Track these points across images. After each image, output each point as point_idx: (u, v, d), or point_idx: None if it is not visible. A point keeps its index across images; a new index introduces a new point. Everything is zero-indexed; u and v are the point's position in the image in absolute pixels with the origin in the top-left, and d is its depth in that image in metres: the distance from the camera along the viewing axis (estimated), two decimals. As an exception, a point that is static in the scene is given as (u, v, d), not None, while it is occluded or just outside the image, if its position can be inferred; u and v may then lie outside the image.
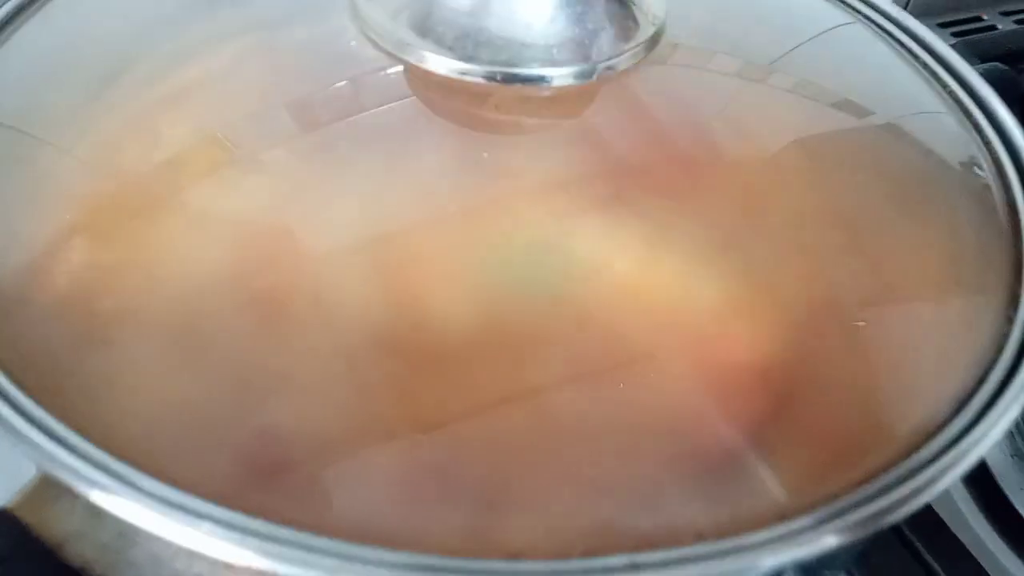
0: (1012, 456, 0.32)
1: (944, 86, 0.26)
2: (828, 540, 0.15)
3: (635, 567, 0.14)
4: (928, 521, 0.30)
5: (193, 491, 0.15)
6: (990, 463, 0.31)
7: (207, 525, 0.15)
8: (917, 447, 0.17)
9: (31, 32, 0.23)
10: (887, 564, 0.30)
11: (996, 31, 0.54)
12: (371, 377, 0.18)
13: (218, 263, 0.19)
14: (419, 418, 0.17)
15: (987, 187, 0.23)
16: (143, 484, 0.15)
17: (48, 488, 0.17)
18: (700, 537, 0.15)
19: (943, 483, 0.16)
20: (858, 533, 0.15)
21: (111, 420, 0.16)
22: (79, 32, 0.24)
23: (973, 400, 0.18)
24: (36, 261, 0.19)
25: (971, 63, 0.47)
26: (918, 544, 0.30)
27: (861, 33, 0.27)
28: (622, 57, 0.21)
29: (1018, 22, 0.55)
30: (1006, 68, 0.47)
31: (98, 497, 0.15)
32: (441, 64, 0.20)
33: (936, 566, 0.29)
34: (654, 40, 0.22)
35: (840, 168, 0.23)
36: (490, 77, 0.20)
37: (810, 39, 0.26)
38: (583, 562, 0.14)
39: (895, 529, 0.30)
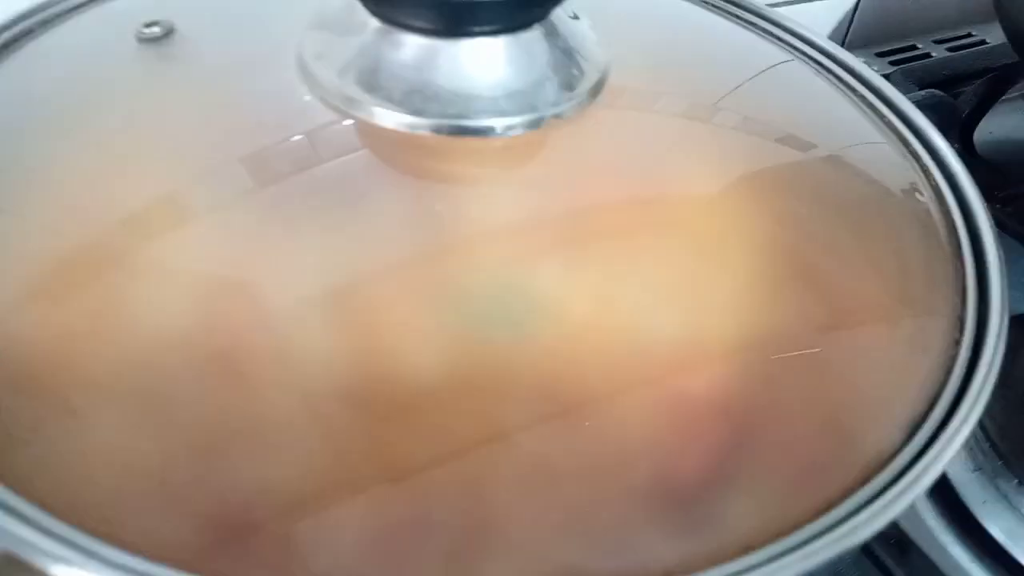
0: (974, 471, 0.32)
1: (881, 117, 0.27)
2: (795, 567, 0.15)
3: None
4: (897, 538, 0.31)
5: (161, 559, 0.15)
6: (953, 479, 0.32)
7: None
8: (877, 470, 0.18)
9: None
10: (858, 583, 0.30)
11: (931, 59, 0.56)
12: (336, 430, 0.18)
13: (175, 322, 0.19)
14: (386, 468, 0.17)
15: (928, 212, 0.24)
16: (107, 555, 0.15)
17: (8, 567, 0.17)
18: (668, 575, 0.15)
19: (902, 503, 0.17)
20: (825, 557, 0.15)
21: (71, 491, 0.16)
22: (26, 92, 0.24)
23: (927, 420, 0.18)
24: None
25: (909, 90, 0.49)
26: (887, 561, 0.31)
27: (800, 70, 0.28)
28: (568, 105, 0.21)
29: (950, 49, 0.58)
30: (943, 95, 0.49)
31: (62, 571, 0.15)
32: (390, 119, 0.21)
33: (905, 581, 0.30)
34: (598, 86, 0.22)
35: (787, 200, 0.23)
36: (438, 130, 0.20)
37: (751, 78, 0.27)
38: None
39: (865, 547, 0.31)
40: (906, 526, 0.31)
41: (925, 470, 0.17)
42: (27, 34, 0.25)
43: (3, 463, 0.16)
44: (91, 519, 0.16)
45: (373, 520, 0.17)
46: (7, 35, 0.25)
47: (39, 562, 0.15)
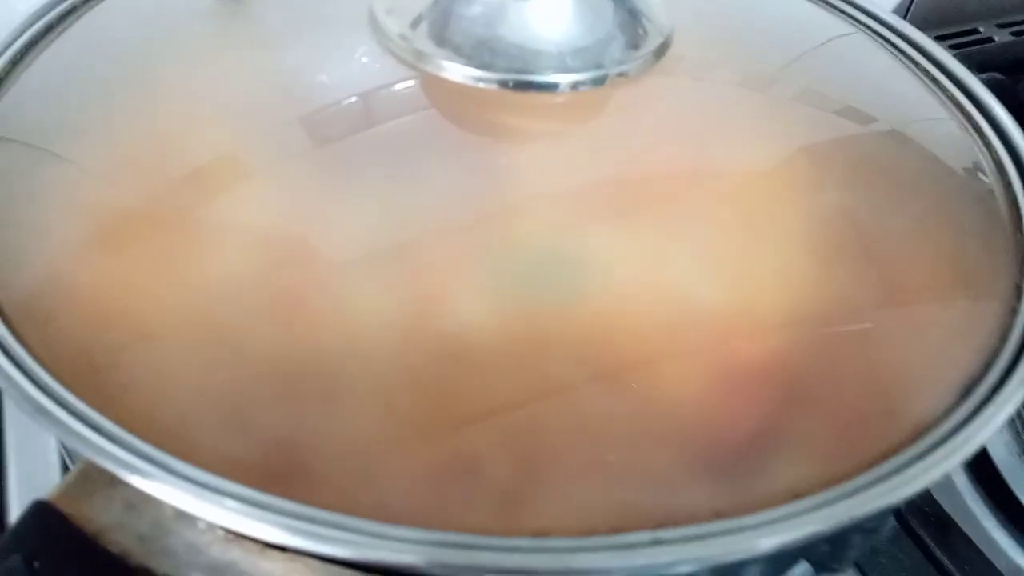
0: (1020, 455, 0.32)
1: (945, 92, 0.26)
2: (838, 516, 0.15)
3: (658, 542, 0.14)
4: (938, 519, 0.31)
5: (228, 477, 0.16)
6: (997, 461, 0.32)
7: (238, 504, 0.15)
8: (924, 433, 0.18)
9: (50, 51, 0.24)
10: (897, 560, 0.30)
11: (993, 43, 0.55)
12: (396, 375, 0.18)
13: (244, 269, 0.20)
14: (446, 413, 0.18)
15: (990, 188, 0.24)
16: (181, 469, 0.16)
17: (87, 481, 0.17)
18: (718, 515, 0.15)
19: (947, 465, 0.17)
20: (867, 510, 0.16)
21: (149, 413, 0.17)
22: (96, 49, 0.25)
23: (979, 388, 0.18)
24: (68, 268, 0.20)
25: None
26: (928, 541, 0.30)
27: (863, 43, 0.28)
28: (632, 64, 0.22)
29: (1015, 34, 0.56)
30: (1004, 78, 0.48)
31: (138, 482, 0.16)
32: (458, 72, 0.21)
33: (946, 562, 0.30)
34: (662, 49, 0.23)
35: (845, 174, 0.23)
36: (504, 84, 0.21)
37: (813, 49, 0.27)
38: (608, 539, 0.15)
39: (905, 526, 0.31)
40: (947, 507, 0.31)
41: (974, 434, 0.17)
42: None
43: (87, 386, 0.17)
44: (165, 437, 0.16)
45: (431, 458, 0.17)
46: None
47: (119, 472, 0.16)
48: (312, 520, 0.15)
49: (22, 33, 0.24)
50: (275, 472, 0.17)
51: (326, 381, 0.18)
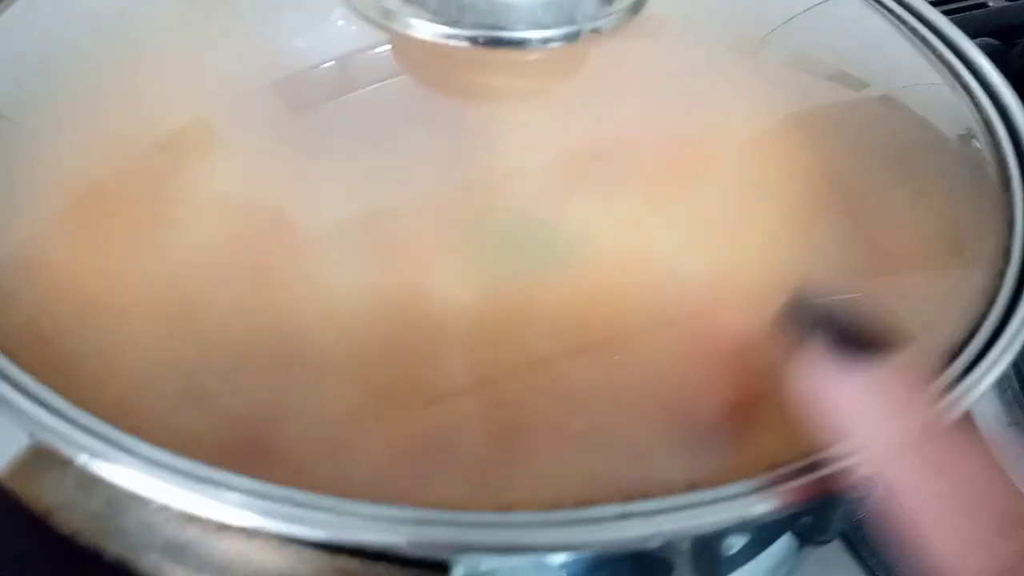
0: (1009, 426, 0.32)
1: (938, 55, 0.26)
2: (818, 486, 0.15)
3: (625, 516, 0.14)
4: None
5: (184, 453, 0.15)
6: (987, 433, 0.31)
7: (198, 485, 0.15)
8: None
9: (14, 18, 0.23)
10: (882, 532, 0.30)
11: (987, 8, 0.54)
12: (364, 345, 0.18)
13: (209, 238, 0.19)
14: (414, 385, 0.17)
15: (980, 151, 0.23)
16: (134, 447, 0.15)
17: (37, 458, 0.17)
18: (692, 486, 0.15)
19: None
20: (849, 480, 0.15)
21: (101, 388, 0.16)
22: (63, 17, 0.24)
23: (966, 350, 0.18)
24: (25, 237, 0.19)
25: (962, 37, 0.47)
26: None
27: (855, 5, 0.27)
28: (606, 20, 0.21)
29: (1009, -1, 0.55)
30: (998, 43, 0.47)
31: (88, 461, 0.15)
32: (426, 30, 0.20)
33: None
34: (638, 4, 0.22)
35: (835, 140, 0.23)
36: (474, 41, 0.20)
37: (803, 11, 0.26)
38: (574, 512, 0.14)
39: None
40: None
41: (959, 398, 0.17)
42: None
43: (35, 358, 0.16)
44: (117, 412, 0.16)
45: (398, 432, 0.17)
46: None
47: (67, 452, 0.15)
48: (269, 497, 0.14)
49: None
50: (234, 448, 0.16)
51: (290, 353, 0.18)
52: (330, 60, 0.22)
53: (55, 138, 0.21)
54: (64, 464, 0.16)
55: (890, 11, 0.27)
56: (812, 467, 0.15)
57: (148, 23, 0.23)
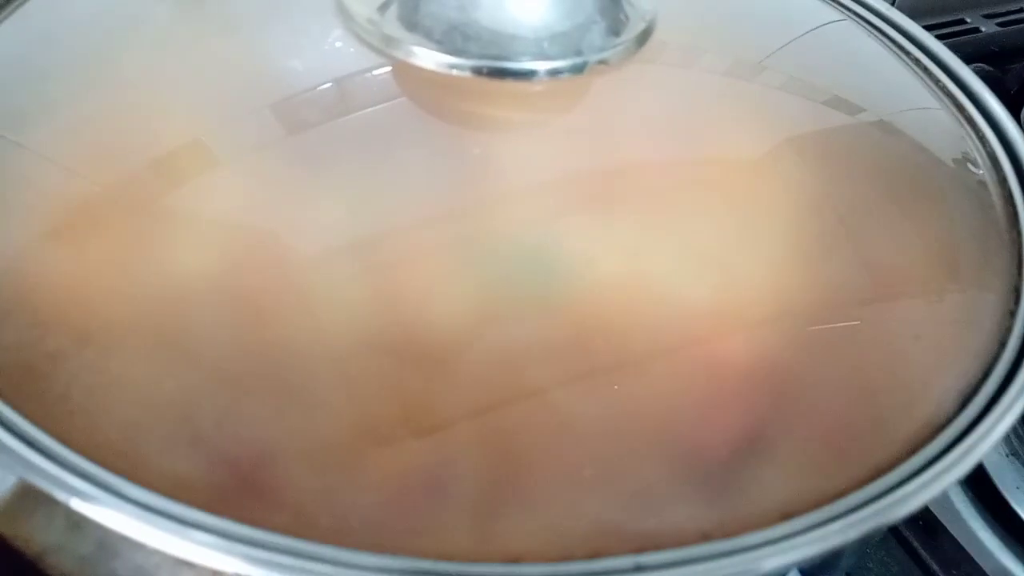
0: (1009, 456, 0.31)
1: (936, 81, 0.25)
2: (833, 539, 0.15)
3: (640, 568, 0.13)
4: (925, 521, 0.30)
5: (177, 498, 0.15)
6: (986, 463, 0.31)
7: (192, 532, 0.14)
8: (921, 445, 0.17)
9: (6, 33, 0.23)
10: (884, 564, 0.29)
11: (979, 33, 0.55)
12: (362, 380, 0.17)
13: (202, 266, 0.18)
14: (413, 421, 0.17)
15: (982, 181, 0.23)
16: (126, 491, 0.15)
17: (26, 499, 0.16)
18: (705, 537, 0.14)
19: (948, 480, 0.16)
20: (863, 531, 0.15)
21: (91, 426, 0.16)
22: (55, 32, 0.23)
23: (977, 396, 0.18)
24: (11, 266, 0.18)
25: (957, 63, 0.47)
26: (916, 544, 0.30)
27: (852, 30, 0.27)
28: (613, 51, 0.21)
29: (1001, 24, 0.56)
30: (990, 68, 0.47)
31: (78, 505, 0.14)
32: (429, 59, 0.20)
33: (934, 566, 0.29)
34: (644, 35, 0.21)
35: (834, 165, 0.23)
36: (479, 71, 0.20)
37: (800, 36, 0.26)
38: (586, 564, 0.14)
39: (893, 529, 0.30)
40: (935, 509, 0.30)
41: (971, 448, 0.16)
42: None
43: (25, 396, 0.16)
44: (110, 456, 0.15)
45: (396, 470, 0.16)
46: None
47: (57, 494, 0.14)
48: (264, 545, 0.14)
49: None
50: (227, 491, 0.15)
51: (283, 390, 0.17)
52: (330, 83, 0.22)
53: (46, 158, 0.20)
54: (54, 506, 0.15)
55: (886, 36, 0.27)
56: (826, 520, 0.15)
57: (144, 42, 0.23)
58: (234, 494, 0.15)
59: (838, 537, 0.14)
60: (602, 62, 0.20)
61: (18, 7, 0.23)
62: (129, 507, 0.14)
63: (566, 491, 0.16)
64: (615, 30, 0.21)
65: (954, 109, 0.25)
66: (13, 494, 0.16)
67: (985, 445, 0.16)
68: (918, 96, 0.25)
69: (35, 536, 0.16)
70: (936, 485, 0.16)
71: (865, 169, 0.23)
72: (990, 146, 0.24)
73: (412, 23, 0.20)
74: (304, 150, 0.21)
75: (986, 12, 0.57)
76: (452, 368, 0.18)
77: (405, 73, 0.21)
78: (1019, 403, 0.17)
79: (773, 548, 0.14)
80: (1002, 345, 0.18)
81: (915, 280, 0.21)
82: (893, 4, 0.55)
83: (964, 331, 0.19)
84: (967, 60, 0.49)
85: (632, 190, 0.21)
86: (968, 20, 0.56)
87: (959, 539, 0.30)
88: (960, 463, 0.16)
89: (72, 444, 0.15)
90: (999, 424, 0.16)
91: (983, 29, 0.55)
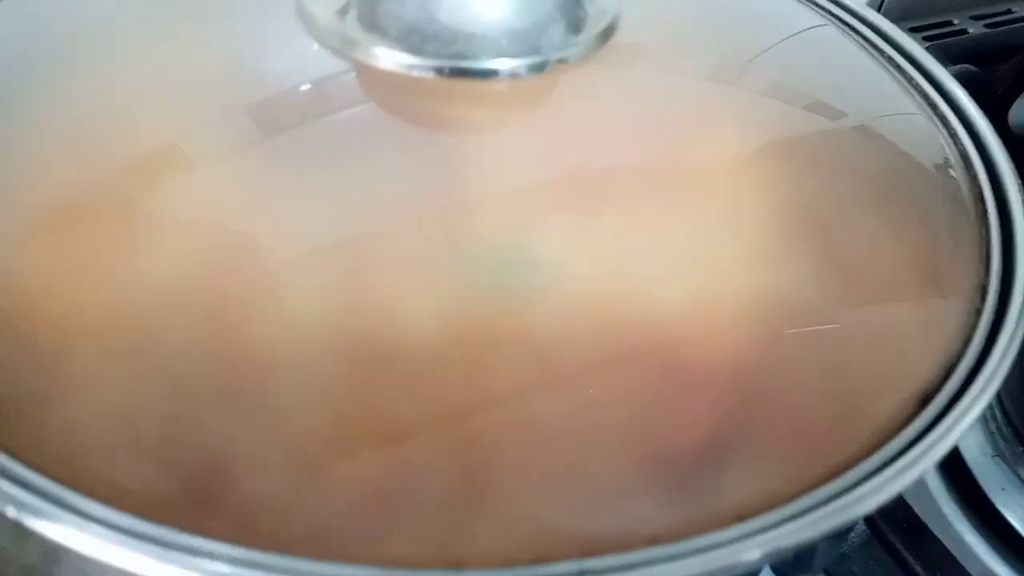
0: (993, 457, 0.31)
1: (915, 86, 0.25)
2: (791, 537, 0.14)
3: (584, 572, 0.13)
4: (909, 523, 0.30)
5: (131, 510, 0.14)
6: (971, 464, 0.31)
7: (144, 545, 0.14)
8: (885, 440, 0.17)
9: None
10: (867, 567, 0.29)
11: (967, 35, 0.54)
12: (329, 388, 0.17)
13: (166, 269, 0.18)
14: (377, 428, 0.17)
15: (955, 180, 0.23)
16: (72, 502, 0.14)
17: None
18: (654, 540, 0.14)
19: (910, 476, 0.16)
20: (823, 528, 0.15)
21: (40, 436, 0.16)
22: (25, 32, 0.23)
23: (941, 391, 0.17)
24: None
25: (943, 66, 0.47)
26: (899, 546, 0.30)
27: (832, 35, 0.27)
28: (574, 49, 0.20)
29: (988, 26, 0.56)
30: (977, 70, 0.47)
31: (22, 517, 0.14)
32: (389, 59, 0.20)
33: (918, 567, 0.29)
34: (607, 32, 0.21)
35: (811, 169, 0.22)
36: (439, 71, 0.20)
37: (780, 41, 0.26)
38: (531, 569, 0.13)
39: (876, 532, 0.30)
40: (919, 510, 0.30)
41: (936, 442, 0.16)
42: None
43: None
44: (60, 467, 0.15)
45: (362, 480, 0.16)
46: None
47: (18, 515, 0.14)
48: (212, 555, 0.14)
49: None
50: (179, 501, 0.15)
51: (242, 394, 0.17)
52: (292, 86, 0.22)
53: (15, 158, 0.20)
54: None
55: (867, 40, 0.27)
56: (779, 521, 0.14)
57: (107, 39, 0.22)
58: (191, 506, 0.15)
59: (792, 537, 0.14)
60: (562, 60, 0.20)
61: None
62: (71, 516, 0.14)
63: (519, 495, 0.16)
64: (576, 27, 0.21)
65: (932, 112, 0.25)
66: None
67: (946, 442, 0.16)
68: (897, 101, 0.25)
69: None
70: (894, 484, 0.15)
71: (841, 173, 0.23)
72: (962, 145, 0.23)
73: (371, 24, 0.20)
74: (268, 153, 0.20)
75: (973, 14, 0.57)
76: (419, 375, 0.17)
77: (367, 75, 0.21)
78: (982, 398, 0.17)
79: (723, 552, 0.14)
80: (966, 343, 0.18)
81: (886, 283, 0.21)
82: (880, 5, 0.55)
83: (931, 329, 0.19)
84: (954, 61, 0.49)
85: (599, 191, 0.21)
86: (956, 22, 0.56)
87: (944, 541, 0.29)
88: (917, 463, 0.16)
89: (18, 453, 0.15)
90: (961, 420, 0.16)
91: (970, 31, 0.55)
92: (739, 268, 0.20)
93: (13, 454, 0.15)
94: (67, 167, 0.20)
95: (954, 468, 0.30)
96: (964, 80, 0.49)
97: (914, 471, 0.15)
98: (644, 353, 0.18)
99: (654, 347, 0.18)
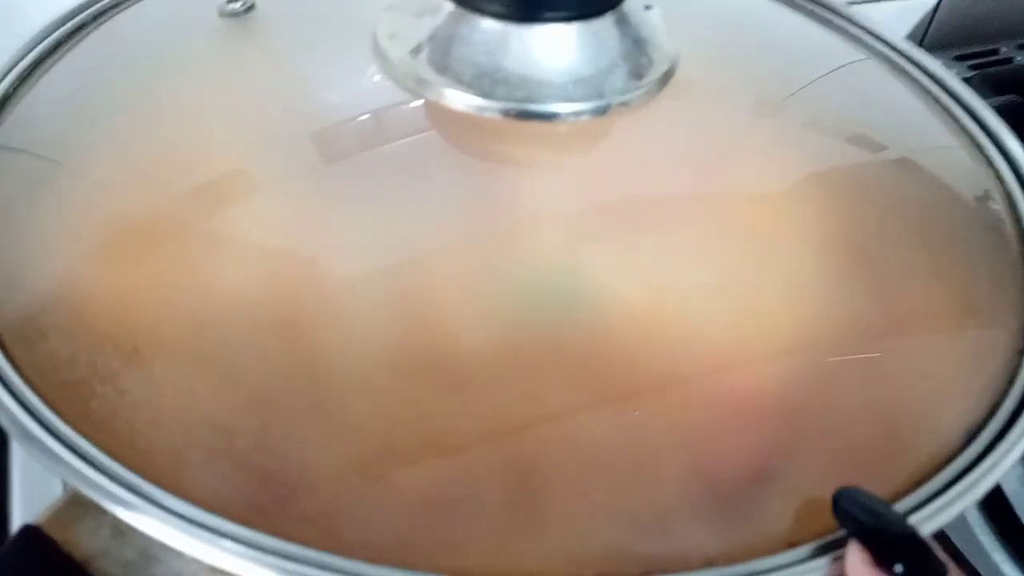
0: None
1: (956, 120, 0.26)
2: (835, 567, 0.15)
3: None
4: (945, 550, 0.30)
5: (216, 511, 0.16)
6: (1009, 493, 0.31)
7: (228, 543, 0.15)
8: (929, 476, 0.17)
9: (59, 66, 0.24)
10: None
11: (1012, 63, 0.54)
12: (390, 402, 0.18)
13: (241, 288, 0.19)
14: (435, 442, 0.18)
15: (999, 219, 0.23)
16: (167, 503, 0.16)
17: (76, 506, 0.17)
18: (710, 563, 0.15)
19: (952, 511, 0.16)
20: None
21: (138, 441, 0.17)
22: (110, 61, 0.25)
23: (984, 430, 0.18)
24: (65, 286, 0.20)
25: (987, 96, 0.47)
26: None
27: (874, 69, 0.27)
28: (635, 93, 0.21)
29: (1036, 55, 0.55)
30: (1022, 100, 0.47)
31: (124, 514, 0.15)
32: (459, 100, 0.21)
33: (953, 597, 0.29)
34: (667, 77, 0.22)
35: (854, 202, 0.23)
36: (506, 113, 0.21)
37: (823, 75, 0.27)
38: (595, 585, 0.14)
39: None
40: (957, 540, 0.30)
41: (979, 479, 0.17)
42: (116, 5, 0.26)
43: (77, 411, 0.17)
44: (154, 469, 0.16)
45: (421, 491, 0.17)
46: (97, 6, 0.26)
47: (104, 504, 0.16)
48: (299, 560, 0.15)
49: (31, 49, 0.24)
50: (262, 505, 0.16)
51: (317, 410, 0.18)
52: (366, 115, 0.23)
53: (98, 185, 0.21)
54: (102, 511, 0.16)
55: (908, 75, 0.27)
56: (827, 547, 0.15)
57: (191, 75, 0.24)
58: (266, 508, 0.16)
59: (838, 567, 0.15)
60: (624, 104, 0.21)
61: (72, 47, 0.25)
62: (169, 517, 0.15)
63: (579, 514, 0.16)
64: (638, 73, 0.22)
65: (973, 147, 0.25)
66: (64, 503, 0.17)
67: (988, 480, 0.17)
68: (939, 134, 0.26)
69: (83, 542, 0.17)
70: (939, 518, 0.16)
71: (886, 206, 0.23)
72: (1007, 184, 0.24)
73: (443, 67, 0.21)
74: (339, 181, 0.22)
75: (1020, 43, 0.56)
76: (475, 392, 0.18)
77: (438, 112, 0.22)
78: (1022, 442, 0.17)
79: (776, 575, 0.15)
80: (1010, 383, 0.19)
81: (930, 315, 0.21)
82: (925, 34, 0.55)
83: (973, 369, 0.20)
84: (1000, 90, 0.49)
85: (651, 223, 0.22)
86: (1003, 50, 0.56)
87: (979, 568, 0.30)
88: (963, 497, 0.16)
89: (119, 457, 0.16)
90: (1004, 459, 0.17)
91: (1017, 59, 0.55)
92: (785, 301, 0.21)
93: (116, 458, 0.16)
94: (145, 191, 0.21)
95: (992, 498, 0.31)
96: (1009, 110, 0.49)
97: (957, 506, 0.16)
98: (695, 379, 0.19)
99: (704, 374, 0.19)
